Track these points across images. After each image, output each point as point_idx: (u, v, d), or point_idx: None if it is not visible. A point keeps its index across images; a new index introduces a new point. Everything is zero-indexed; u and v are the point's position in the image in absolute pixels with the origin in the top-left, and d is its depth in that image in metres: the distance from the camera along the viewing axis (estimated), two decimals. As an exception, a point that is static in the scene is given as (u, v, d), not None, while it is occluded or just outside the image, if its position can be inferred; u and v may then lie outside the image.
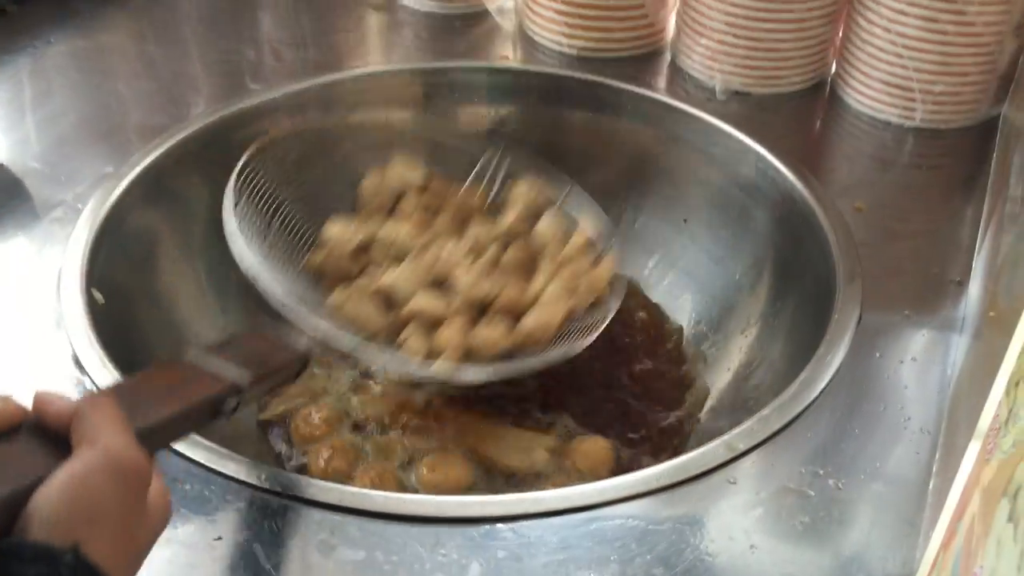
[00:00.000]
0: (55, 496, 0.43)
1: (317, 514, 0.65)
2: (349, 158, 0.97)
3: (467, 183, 1.00)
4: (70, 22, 1.24)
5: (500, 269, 0.91)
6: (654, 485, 0.68)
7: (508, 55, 1.22)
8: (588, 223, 0.98)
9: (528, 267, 0.93)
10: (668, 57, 1.20)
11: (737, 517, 0.66)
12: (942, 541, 0.59)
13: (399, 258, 0.90)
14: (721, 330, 0.99)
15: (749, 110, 1.11)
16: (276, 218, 0.87)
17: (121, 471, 0.45)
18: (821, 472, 0.70)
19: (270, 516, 0.65)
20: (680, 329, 1.03)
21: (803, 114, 1.13)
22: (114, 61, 1.19)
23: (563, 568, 0.62)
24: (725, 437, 0.71)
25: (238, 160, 1.02)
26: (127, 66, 1.19)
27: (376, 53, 1.24)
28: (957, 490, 0.57)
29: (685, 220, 1.08)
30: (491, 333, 0.84)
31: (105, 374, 0.74)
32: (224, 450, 0.69)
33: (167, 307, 0.90)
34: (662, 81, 1.17)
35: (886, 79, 1.06)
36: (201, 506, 0.65)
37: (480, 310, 0.87)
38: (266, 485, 0.66)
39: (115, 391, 0.56)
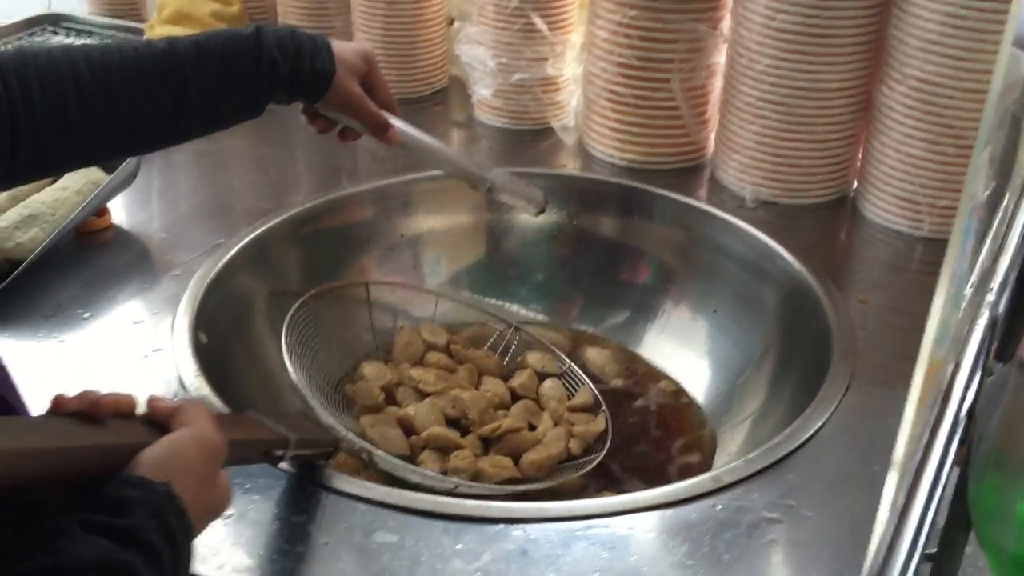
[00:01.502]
0: (157, 451, 0.58)
1: (362, 506, 0.79)
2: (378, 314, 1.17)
3: (485, 349, 1.18)
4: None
5: (509, 414, 1.07)
6: (644, 504, 0.80)
7: (567, 164, 1.39)
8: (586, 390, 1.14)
9: (532, 416, 1.09)
10: (709, 171, 1.36)
11: (715, 534, 0.77)
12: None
13: (421, 396, 1.07)
14: (734, 402, 1.10)
15: (776, 217, 1.25)
16: (319, 353, 1.04)
17: (206, 444, 0.61)
18: (794, 504, 0.81)
19: (321, 505, 0.79)
20: (699, 405, 1.14)
21: (825, 222, 1.26)
22: (230, 159, 1.40)
23: (560, 560, 0.74)
24: (713, 472, 0.83)
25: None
26: (241, 164, 1.40)
27: (456, 160, 1.42)
28: (884, 510, 0.68)
29: (715, 311, 1.21)
30: (499, 461, 0.99)
31: (202, 394, 0.91)
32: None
33: (256, 354, 1.07)
34: (703, 191, 1.33)
35: (897, 193, 1.19)
36: (267, 491, 0.80)
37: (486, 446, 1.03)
38: (319, 481, 0.81)
39: None
